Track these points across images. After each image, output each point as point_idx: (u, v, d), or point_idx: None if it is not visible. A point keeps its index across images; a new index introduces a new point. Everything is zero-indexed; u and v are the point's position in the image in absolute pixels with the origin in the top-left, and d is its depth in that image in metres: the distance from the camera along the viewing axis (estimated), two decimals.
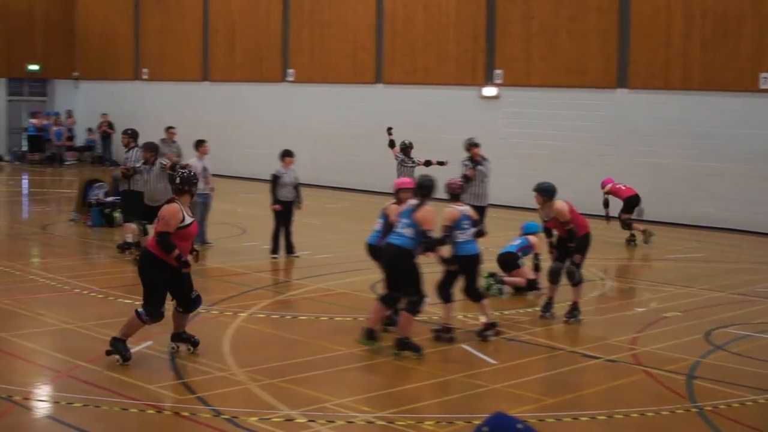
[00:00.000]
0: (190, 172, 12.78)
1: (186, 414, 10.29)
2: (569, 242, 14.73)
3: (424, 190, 13.05)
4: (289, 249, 20.12)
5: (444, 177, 14.37)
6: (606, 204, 23.23)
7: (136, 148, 19.78)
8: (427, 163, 21.98)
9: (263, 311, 15.27)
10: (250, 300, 16.03)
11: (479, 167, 19.93)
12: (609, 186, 23.51)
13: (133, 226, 19.28)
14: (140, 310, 12.12)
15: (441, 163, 21.78)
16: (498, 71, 31.65)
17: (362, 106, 34.83)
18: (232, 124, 38.07)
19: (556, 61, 30.36)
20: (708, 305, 16.88)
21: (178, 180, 12.39)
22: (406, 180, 14.42)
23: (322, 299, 16.63)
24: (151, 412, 10.38)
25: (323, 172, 34.26)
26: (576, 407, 10.88)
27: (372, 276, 17.89)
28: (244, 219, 25.18)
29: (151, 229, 18.18)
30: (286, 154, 20.42)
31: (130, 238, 19.65)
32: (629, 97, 29.01)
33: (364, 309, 15.42)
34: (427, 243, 12.80)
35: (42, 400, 10.86)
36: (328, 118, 35.47)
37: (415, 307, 12.71)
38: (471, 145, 20.26)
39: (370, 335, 12.98)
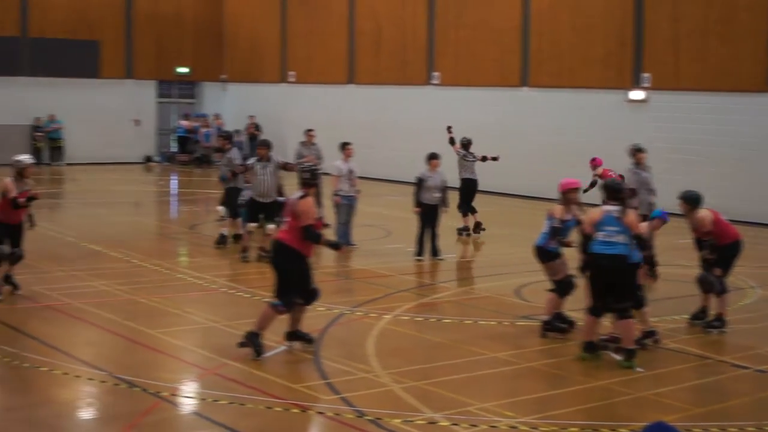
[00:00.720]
0: (314, 166, 13.33)
1: (330, 414, 10.34)
2: (710, 253, 14.36)
3: (619, 193, 12.80)
4: (434, 252, 20.06)
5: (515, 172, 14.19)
6: (593, 185, 22.11)
7: (233, 149, 20.98)
8: (483, 159, 22.78)
9: (407, 313, 15.27)
10: (394, 302, 16.02)
11: (644, 174, 19.20)
12: (601, 169, 22.70)
13: (235, 220, 20.49)
14: (275, 302, 12.38)
15: (494, 159, 21.85)
16: (646, 74, 31.18)
17: (507, 109, 34.65)
18: (377, 127, 38.20)
19: (705, 64, 29.76)
20: None
21: (308, 174, 12.62)
22: (573, 180, 14.09)
23: (466, 302, 16.58)
24: (295, 411, 10.46)
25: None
26: (724, 417, 10.66)
27: (517, 280, 17.83)
28: (389, 221, 25.25)
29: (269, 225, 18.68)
30: (433, 157, 20.27)
31: (226, 232, 20.93)
32: None
33: (509, 313, 15.38)
34: (643, 246, 12.65)
35: (188, 396, 11.02)
36: (473, 120, 35.31)
37: (629, 312, 12.53)
38: (636, 151, 19.54)
39: (589, 348, 12.73)
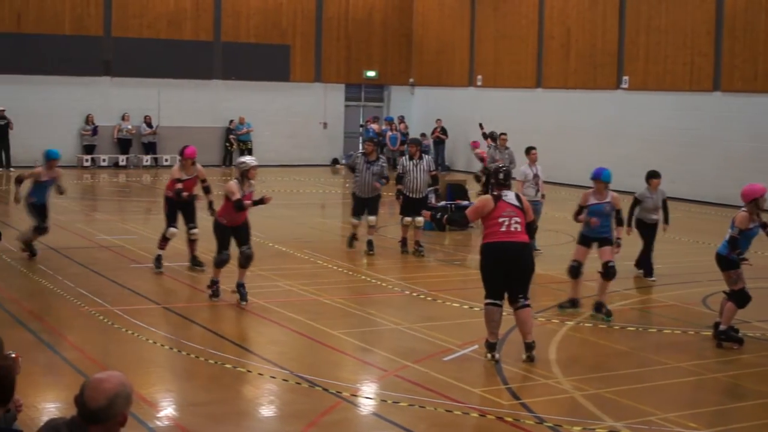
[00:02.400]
0: (507, 167, 13.65)
1: (509, 419, 10.29)
2: None
3: None
4: (649, 272, 18.96)
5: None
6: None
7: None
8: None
9: (590, 320, 15.10)
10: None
11: None
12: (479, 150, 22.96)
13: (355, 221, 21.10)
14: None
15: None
16: None
17: (698, 114, 33.98)
18: (564, 131, 37.90)
19: None
20: None
21: (502, 175, 12.77)
22: (759, 187, 13.68)
23: (651, 310, 16.33)
24: (474, 415, 10.44)
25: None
26: None
27: (704, 289, 17.46)
28: (575, 226, 24.91)
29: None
30: (653, 176, 18.87)
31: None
32: None
33: (694, 322, 15.08)
34: None
35: (368, 397, 11.09)
36: (663, 126, 34.78)
37: None
38: None
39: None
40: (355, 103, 45.15)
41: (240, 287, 15.20)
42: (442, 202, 24.18)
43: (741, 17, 32.75)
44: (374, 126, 43.49)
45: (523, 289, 12.46)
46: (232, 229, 15.29)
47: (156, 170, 37.79)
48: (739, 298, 13.58)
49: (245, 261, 15.22)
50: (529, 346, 12.49)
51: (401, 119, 44.40)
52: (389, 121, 44.19)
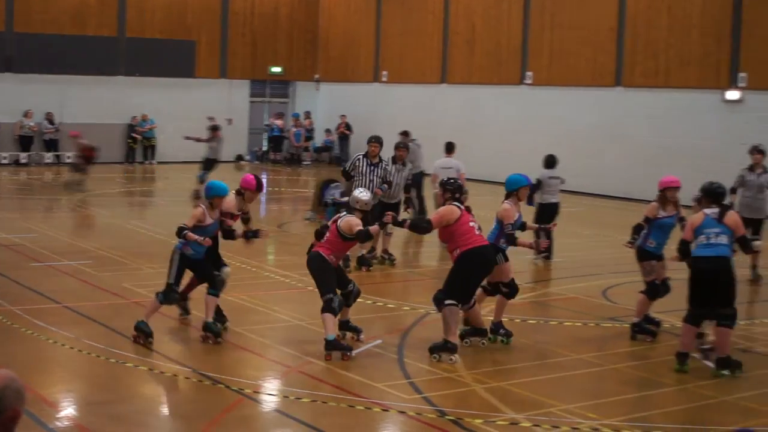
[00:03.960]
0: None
1: (411, 413, 10.33)
2: None
3: (718, 196, 12.53)
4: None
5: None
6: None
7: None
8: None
9: (492, 314, 15.17)
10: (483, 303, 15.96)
11: (750, 177, 18.83)
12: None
13: None
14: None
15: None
16: (742, 74, 30.74)
17: (600, 110, 34.39)
18: (469, 127, 38.11)
19: None
20: None
21: (451, 187, 13.13)
22: (672, 179, 13.82)
23: (552, 303, 16.49)
24: (377, 410, 10.47)
25: (563, 176, 33.95)
26: None
27: (604, 281, 17.70)
28: (481, 222, 25.03)
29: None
30: (551, 161, 20.48)
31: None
32: None
33: (595, 314, 15.24)
34: (747, 246, 12.39)
35: (271, 394, 11.07)
36: (566, 121, 35.14)
37: (733, 321, 12.10)
38: (753, 151, 19.25)
39: (683, 359, 12.35)
40: (261, 99, 44.97)
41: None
42: (346, 198, 24.15)
43: (642, 14, 33.21)
44: (278, 122, 43.40)
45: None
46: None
47: (58, 168, 37.26)
48: (654, 290, 13.76)
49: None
50: (485, 331, 13.33)
51: (307, 115, 44.34)
52: (295, 117, 44.12)
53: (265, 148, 44.25)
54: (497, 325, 13.54)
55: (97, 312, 14.51)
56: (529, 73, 36.86)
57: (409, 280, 18.49)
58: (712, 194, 12.54)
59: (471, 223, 12.69)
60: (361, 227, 12.66)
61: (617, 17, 33.87)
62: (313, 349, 12.54)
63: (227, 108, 42.69)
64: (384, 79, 42.75)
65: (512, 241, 13.27)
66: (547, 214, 19.77)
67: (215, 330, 12.85)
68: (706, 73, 31.61)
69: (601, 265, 19.26)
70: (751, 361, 12.70)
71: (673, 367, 12.28)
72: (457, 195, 12.94)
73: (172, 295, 12.91)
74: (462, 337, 13.09)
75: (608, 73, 34.31)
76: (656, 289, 13.75)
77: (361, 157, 18.90)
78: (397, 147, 19.59)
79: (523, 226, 13.68)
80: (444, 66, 40.14)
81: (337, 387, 11.11)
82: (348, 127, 42.63)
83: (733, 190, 18.35)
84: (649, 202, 14.15)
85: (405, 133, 25.90)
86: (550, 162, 20.38)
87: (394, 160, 19.24)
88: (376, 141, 18.95)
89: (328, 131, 44.07)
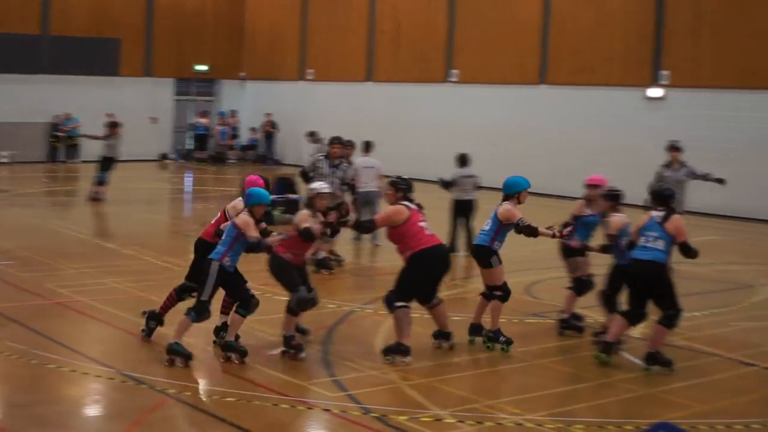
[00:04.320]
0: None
1: (336, 411, 10.32)
2: None
3: (666, 199, 12.60)
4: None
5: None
6: None
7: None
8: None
9: (417, 311, 15.20)
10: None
11: (668, 173, 19.06)
12: None
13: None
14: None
15: None
16: (664, 72, 31.09)
17: (526, 107, 34.61)
18: (395, 125, 38.15)
19: (726, 62, 29.65)
20: None
21: (404, 185, 12.96)
22: (597, 177, 13.95)
23: (476, 300, 16.52)
24: (301, 408, 10.46)
25: (483, 172, 33.98)
26: (730, 415, 10.61)
27: (528, 277, 17.81)
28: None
29: None
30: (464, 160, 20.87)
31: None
32: None
33: (519, 310, 15.32)
34: (688, 252, 12.34)
35: (196, 393, 11.00)
36: (491, 118, 35.32)
37: (673, 321, 12.20)
38: (670, 148, 19.51)
39: (607, 349, 12.53)
40: (186, 97, 44.69)
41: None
42: (272, 196, 24.08)
43: (567, 12, 33.49)
44: (204, 120, 43.18)
45: (438, 288, 12.74)
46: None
47: None
48: (581, 285, 13.87)
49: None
50: (450, 335, 12.93)
51: (233, 114, 44.15)
52: (221, 115, 43.92)
53: (190, 147, 44.00)
54: (496, 333, 13.07)
55: (19, 313, 14.32)
56: (454, 71, 37.00)
57: (334, 279, 18.46)
58: (660, 196, 12.64)
59: (421, 223, 12.41)
60: (308, 224, 12.30)
61: (542, 15, 34.12)
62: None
63: (152, 106, 42.36)
64: (310, 77, 42.69)
65: (532, 231, 12.97)
66: (462, 211, 20.25)
67: (241, 349, 12.08)
68: (629, 70, 31.94)
69: (525, 261, 19.36)
70: (672, 355, 12.83)
71: (593, 354, 12.52)
72: (409, 194, 12.70)
73: (205, 312, 11.96)
74: (434, 337, 13.01)
75: (533, 71, 34.55)
76: (583, 284, 13.87)
77: (322, 158, 18.72)
78: (345, 146, 19.31)
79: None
80: (370, 64, 40.16)
81: (261, 386, 11.07)
82: (273, 125, 42.52)
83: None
84: (574, 199, 14.27)
85: (312, 134, 25.97)
86: (464, 160, 20.75)
87: (327, 157, 18.94)
88: (339, 142, 18.81)
89: (253, 130, 43.91)
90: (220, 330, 12.88)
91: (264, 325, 13.71)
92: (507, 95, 35.18)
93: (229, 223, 12.23)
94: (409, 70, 38.64)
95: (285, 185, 25.01)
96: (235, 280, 12.19)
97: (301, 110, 41.63)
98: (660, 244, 12.15)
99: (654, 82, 31.27)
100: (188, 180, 37.56)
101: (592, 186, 13.80)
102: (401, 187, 12.74)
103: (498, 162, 30.84)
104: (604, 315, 13.44)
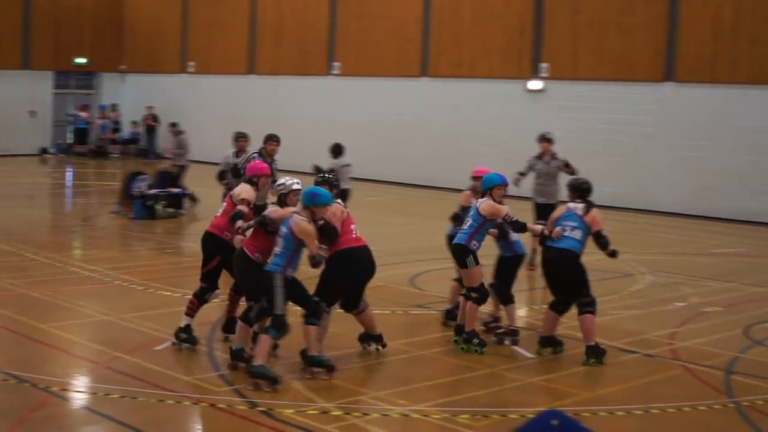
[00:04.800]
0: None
1: (222, 405, 10.30)
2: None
3: (584, 192, 12.78)
4: None
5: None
6: None
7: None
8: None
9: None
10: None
11: (539, 165, 19.34)
12: None
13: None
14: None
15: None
16: (544, 64, 31.51)
17: (407, 99, 34.79)
18: (277, 118, 38.07)
19: (603, 55, 30.20)
20: (749, 300, 16.78)
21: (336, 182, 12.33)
22: (481, 168, 13.85)
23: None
24: (187, 403, 10.41)
25: (367, 165, 34.17)
26: (612, 402, 10.82)
27: (412, 269, 17.92)
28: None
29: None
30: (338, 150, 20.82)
31: None
32: (677, 91, 28.80)
33: (403, 302, 15.43)
34: (601, 242, 12.52)
35: (79, 391, 10.90)
36: (373, 111, 35.44)
37: (593, 308, 12.40)
38: (541, 139, 19.75)
39: (546, 342, 12.75)
40: (65, 91, 44.06)
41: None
42: (153, 191, 23.97)
43: (447, 4, 33.74)
44: (84, 114, 42.62)
45: (363, 292, 12.34)
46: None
47: None
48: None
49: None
50: (380, 337, 12.56)
51: (113, 107, 43.66)
52: (102, 108, 43.40)
53: (70, 141, 43.40)
54: (470, 334, 12.75)
55: None
56: (336, 64, 37.04)
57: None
58: (577, 189, 12.82)
59: (353, 225, 12.05)
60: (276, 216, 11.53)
61: (423, 8, 34.33)
62: (121, 344, 12.39)
63: (30, 100, 41.73)
64: (191, 69, 42.43)
65: (521, 227, 12.64)
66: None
67: (328, 364, 11.46)
68: (509, 63, 32.30)
69: (408, 253, 19.49)
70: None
71: (536, 349, 12.72)
72: (335, 192, 12.09)
73: (285, 326, 11.13)
74: (360, 340, 12.64)
75: (414, 64, 34.74)
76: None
77: (256, 155, 18.05)
78: (238, 137, 18.91)
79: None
80: (251, 57, 40.03)
81: (146, 381, 10.98)
82: (155, 118, 42.14)
83: (522, 174, 18.91)
84: (457, 190, 14.38)
85: (173, 125, 25.87)
86: (338, 150, 20.92)
87: (260, 154, 18.14)
88: (275, 140, 18.35)
89: (134, 123, 43.47)
90: (182, 332, 12.47)
91: (149, 321, 13.64)
92: (388, 88, 35.33)
93: (284, 230, 11.29)
94: (291, 63, 38.60)
95: (168, 179, 24.92)
96: (300, 287, 11.46)
97: (183, 103, 41.32)
98: (577, 234, 12.38)
99: (534, 75, 31.67)
100: (69, 174, 37.06)
101: (478, 177, 13.89)
102: (334, 185, 12.15)
103: (380, 154, 31.06)
104: (494, 305, 13.60)
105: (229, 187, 16.64)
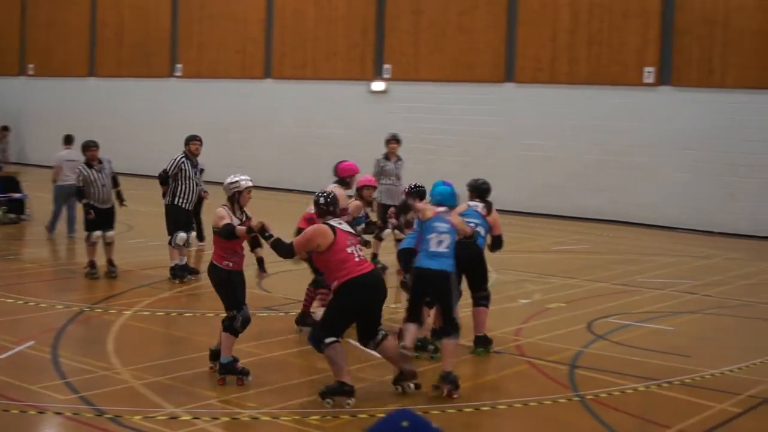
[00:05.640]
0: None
1: (69, 414, 10.14)
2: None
3: (483, 192, 13.05)
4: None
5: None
6: None
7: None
8: None
9: (148, 308, 15.13)
10: (135, 297, 15.87)
11: (386, 164, 19.49)
12: None
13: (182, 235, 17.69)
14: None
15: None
16: (387, 66, 31.75)
17: (252, 101, 34.71)
18: (120, 120, 37.64)
19: (444, 56, 30.58)
20: (590, 296, 17.17)
21: (322, 200, 11.08)
22: (369, 177, 14.21)
23: (208, 295, 16.47)
24: (32, 413, 10.21)
25: (212, 167, 33.82)
26: (460, 399, 10.93)
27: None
28: (131, 216, 24.74)
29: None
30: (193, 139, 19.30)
31: None
32: (517, 92, 29.31)
33: (251, 304, 15.31)
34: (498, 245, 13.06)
35: None
36: (217, 113, 35.26)
37: (488, 301, 12.97)
38: (391, 140, 19.93)
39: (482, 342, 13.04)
40: None
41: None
42: None
43: (290, 6, 33.76)
44: None
45: (380, 320, 11.12)
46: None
47: None
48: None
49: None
50: (414, 375, 11.27)
51: None
52: None
53: None
54: (423, 341, 12.58)
55: None
56: (178, 66, 36.75)
57: (60, 278, 18.11)
58: (477, 189, 13.12)
59: (349, 249, 10.73)
60: (228, 221, 11.29)
61: (266, 9, 34.29)
62: None
63: None
64: (30, 72, 41.63)
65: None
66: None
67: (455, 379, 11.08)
68: (352, 64, 32.46)
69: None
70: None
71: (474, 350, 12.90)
72: (332, 209, 10.98)
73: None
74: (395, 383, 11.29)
75: (258, 65, 34.68)
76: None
77: (184, 159, 17.62)
78: (87, 147, 17.84)
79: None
80: (92, 59, 39.48)
81: None
82: None
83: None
84: (306, 192, 14.44)
85: (5, 128, 25.55)
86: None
87: (90, 163, 17.62)
88: (197, 139, 17.97)
89: None
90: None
91: None
92: (232, 89, 35.20)
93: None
94: (132, 65, 38.21)
95: (9, 184, 24.43)
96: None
97: (22, 107, 40.52)
98: (481, 231, 12.67)
99: (377, 76, 31.87)
100: None
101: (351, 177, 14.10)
102: (320, 204, 11.02)
103: (225, 156, 30.90)
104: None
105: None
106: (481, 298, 12.83)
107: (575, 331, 14.28)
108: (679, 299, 17.25)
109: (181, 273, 17.45)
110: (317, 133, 32.63)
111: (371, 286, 10.76)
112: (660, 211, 26.85)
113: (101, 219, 17.51)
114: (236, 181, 11.55)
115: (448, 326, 11.42)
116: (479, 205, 12.90)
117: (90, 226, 17.51)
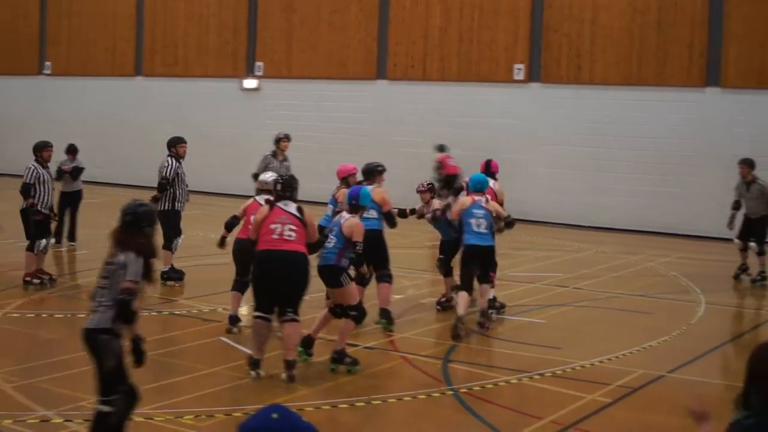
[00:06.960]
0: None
1: None
2: None
3: (379, 174, 15.18)
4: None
5: None
6: None
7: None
8: None
9: (18, 310, 14.89)
10: (3, 299, 15.58)
11: (274, 163, 19.44)
12: None
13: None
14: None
15: None
16: (259, 63, 31.68)
17: (120, 99, 34.35)
18: None
19: (316, 53, 30.63)
20: None
21: (279, 187, 11.86)
22: (350, 166, 15.38)
23: (79, 296, 16.31)
24: None
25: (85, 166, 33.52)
26: (334, 395, 10.99)
27: None
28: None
29: None
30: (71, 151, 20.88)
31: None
32: (389, 89, 29.48)
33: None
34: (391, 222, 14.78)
35: None
36: (88, 111, 34.82)
37: (391, 278, 14.66)
38: (280, 140, 19.97)
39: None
40: None
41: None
42: None
43: (161, 3, 33.59)
44: None
45: (293, 301, 11.49)
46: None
47: None
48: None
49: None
50: (289, 364, 11.48)
51: None
52: None
53: None
54: (340, 354, 12.02)
55: None
56: (47, 63, 36.20)
57: None
58: (370, 172, 15.02)
59: (273, 225, 11.40)
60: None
61: (136, 6, 33.98)
62: None
63: None
64: None
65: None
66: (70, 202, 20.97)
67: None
68: (224, 62, 32.36)
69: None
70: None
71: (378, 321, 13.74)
72: (288, 193, 11.71)
73: None
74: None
75: (129, 63, 34.33)
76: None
77: (178, 163, 17.36)
78: (42, 148, 17.18)
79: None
80: None
81: None
82: None
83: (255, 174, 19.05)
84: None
85: None
86: (73, 150, 21.19)
87: (44, 163, 17.08)
88: (184, 142, 17.78)
89: None
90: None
91: None
92: (102, 88, 34.79)
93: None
94: (1, 62, 37.50)
95: None
96: None
97: None
98: (373, 213, 14.17)
99: (249, 74, 31.78)
100: None
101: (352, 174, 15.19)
102: (278, 185, 11.99)
103: (97, 155, 30.51)
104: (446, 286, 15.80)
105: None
106: (384, 276, 14.34)
107: (448, 326, 14.35)
108: (550, 292, 17.55)
109: (177, 275, 17.10)
110: (193, 132, 32.33)
111: (268, 261, 11.36)
112: (529, 205, 27.19)
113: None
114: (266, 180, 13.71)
115: (485, 281, 14.42)
116: (370, 188, 13.72)
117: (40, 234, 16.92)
